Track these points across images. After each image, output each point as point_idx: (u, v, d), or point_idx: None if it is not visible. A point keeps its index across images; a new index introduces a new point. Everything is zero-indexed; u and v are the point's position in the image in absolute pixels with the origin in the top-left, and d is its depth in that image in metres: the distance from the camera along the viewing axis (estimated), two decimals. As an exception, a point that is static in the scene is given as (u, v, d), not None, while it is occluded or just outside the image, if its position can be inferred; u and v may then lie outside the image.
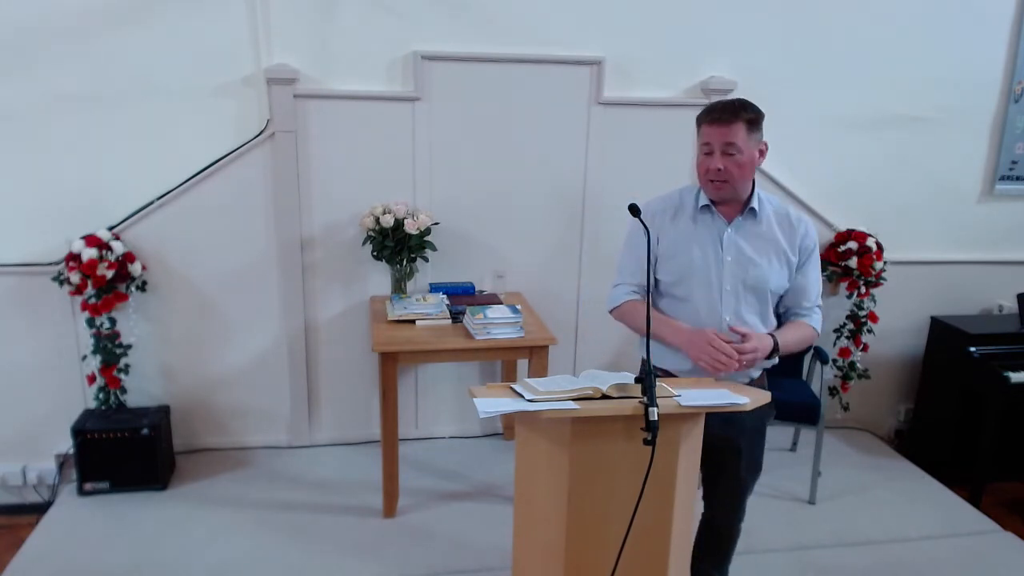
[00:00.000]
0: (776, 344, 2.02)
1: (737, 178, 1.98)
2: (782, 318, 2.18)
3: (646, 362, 2.14)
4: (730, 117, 1.94)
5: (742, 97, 2.04)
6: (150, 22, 3.00)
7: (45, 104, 3.00)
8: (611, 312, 2.22)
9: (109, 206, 3.14)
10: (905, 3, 3.49)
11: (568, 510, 1.68)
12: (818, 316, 2.14)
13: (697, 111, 2.09)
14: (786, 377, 3.38)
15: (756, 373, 2.15)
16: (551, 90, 3.34)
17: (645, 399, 1.60)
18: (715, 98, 3.41)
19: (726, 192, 2.02)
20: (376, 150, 3.29)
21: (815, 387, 3.37)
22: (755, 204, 2.06)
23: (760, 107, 2.01)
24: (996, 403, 3.35)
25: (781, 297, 2.14)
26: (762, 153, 2.02)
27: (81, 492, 3.10)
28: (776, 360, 2.18)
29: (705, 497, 2.27)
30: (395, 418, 2.93)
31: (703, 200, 2.08)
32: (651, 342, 2.20)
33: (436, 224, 3.34)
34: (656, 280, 2.15)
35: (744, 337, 1.94)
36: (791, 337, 2.07)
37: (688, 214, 2.10)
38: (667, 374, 2.08)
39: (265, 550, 2.79)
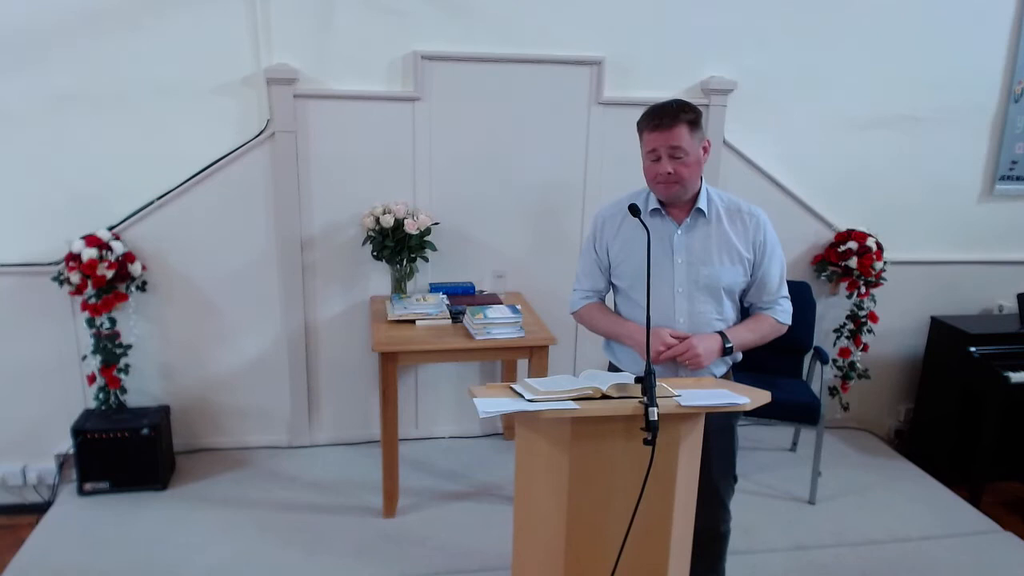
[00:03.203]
0: (725, 340, 2.07)
1: (687, 179, 2.01)
2: (748, 313, 2.20)
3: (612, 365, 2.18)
4: (671, 121, 1.96)
5: (679, 98, 2.06)
6: (150, 22, 3.00)
7: (45, 104, 3.00)
8: (572, 314, 2.31)
9: (109, 206, 3.14)
10: (905, 3, 3.49)
11: (568, 510, 1.68)
12: (782, 307, 2.16)
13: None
14: (786, 377, 3.39)
15: (720, 371, 2.15)
16: (551, 90, 3.34)
17: (645, 399, 1.60)
18: (715, 98, 3.43)
19: (677, 192, 2.04)
20: (376, 150, 3.29)
21: (815, 387, 3.37)
22: (702, 204, 2.08)
23: (698, 106, 2.04)
24: (996, 403, 3.35)
25: (745, 293, 2.16)
26: (705, 150, 2.05)
27: (81, 492, 3.10)
28: (739, 356, 2.20)
29: None
30: (395, 418, 2.93)
31: (652, 204, 2.10)
32: (614, 345, 2.24)
33: (436, 224, 3.34)
34: (614, 285, 2.23)
35: (683, 340, 2.02)
36: (747, 332, 2.12)
37: (636, 219, 2.10)
38: None
39: (265, 550, 2.80)
